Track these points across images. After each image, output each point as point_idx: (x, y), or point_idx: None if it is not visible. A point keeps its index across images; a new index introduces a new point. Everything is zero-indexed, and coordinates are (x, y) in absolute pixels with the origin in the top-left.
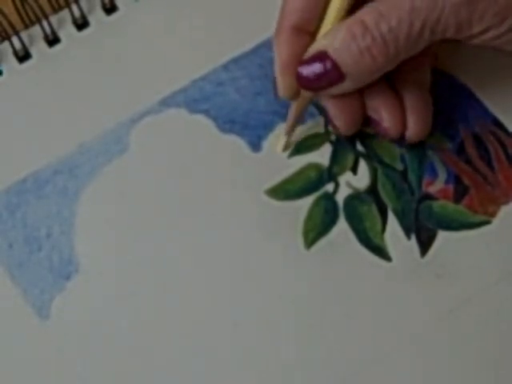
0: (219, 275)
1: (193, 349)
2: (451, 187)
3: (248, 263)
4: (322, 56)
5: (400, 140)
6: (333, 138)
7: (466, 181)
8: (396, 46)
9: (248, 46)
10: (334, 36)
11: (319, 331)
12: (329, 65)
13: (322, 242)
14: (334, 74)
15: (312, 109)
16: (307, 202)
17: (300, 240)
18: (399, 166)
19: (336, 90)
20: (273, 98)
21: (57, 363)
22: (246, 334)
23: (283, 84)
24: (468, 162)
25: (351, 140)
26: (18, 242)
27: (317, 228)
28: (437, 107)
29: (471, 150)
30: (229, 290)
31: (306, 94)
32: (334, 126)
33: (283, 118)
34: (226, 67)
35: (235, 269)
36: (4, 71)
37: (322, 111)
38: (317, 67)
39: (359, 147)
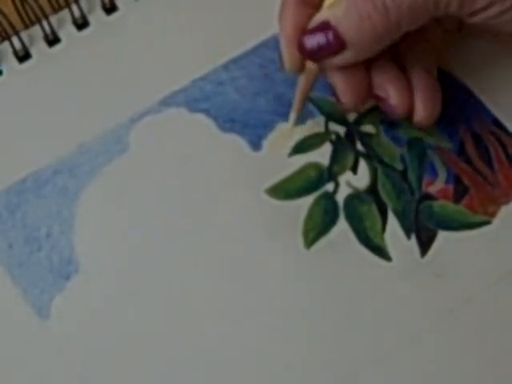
0: (219, 274)
1: (193, 348)
2: (451, 187)
3: (248, 263)
4: (324, 26)
5: (407, 120)
6: (333, 137)
7: (466, 181)
8: (397, 15)
9: (248, 45)
10: (336, 5)
11: (319, 331)
12: (330, 34)
13: (322, 241)
14: (335, 43)
15: (312, 108)
16: (307, 201)
17: (300, 240)
18: (399, 166)
19: (339, 60)
20: (272, 97)
21: (57, 363)
22: (246, 333)
23: (289, 57)
24: (468, 161)
25: (351, 140)
26: (18, 242)
27: (317, 228)
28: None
29: (471, 150)
30: (229, 290)
31: (311, 67)
32: (341, 102)
33: (283, 117)
34: (225, 67)
35: (235, 268)
36: (4, 71)
37: (331, 88)
38: (319, 37)
39: (359, 147)
